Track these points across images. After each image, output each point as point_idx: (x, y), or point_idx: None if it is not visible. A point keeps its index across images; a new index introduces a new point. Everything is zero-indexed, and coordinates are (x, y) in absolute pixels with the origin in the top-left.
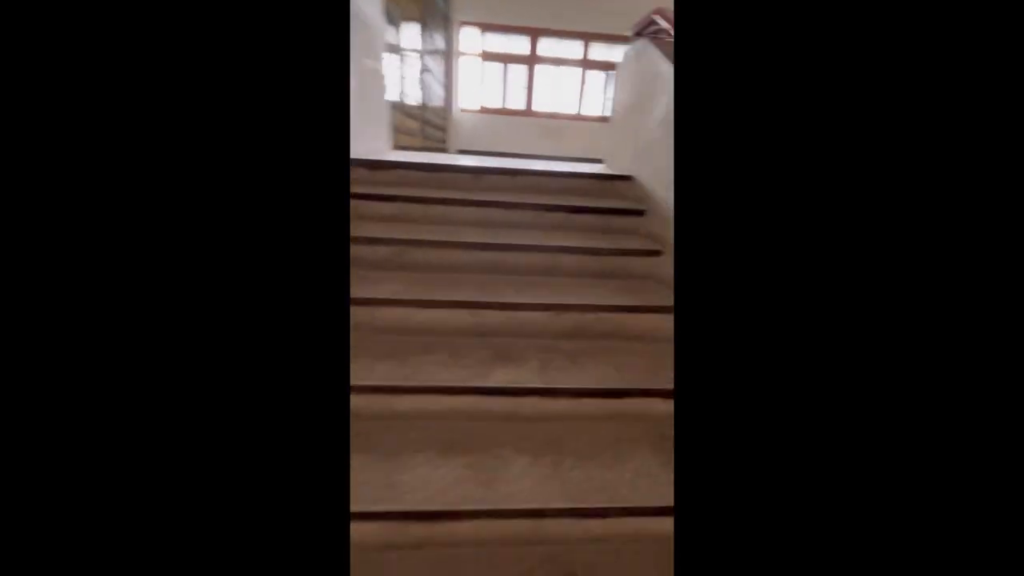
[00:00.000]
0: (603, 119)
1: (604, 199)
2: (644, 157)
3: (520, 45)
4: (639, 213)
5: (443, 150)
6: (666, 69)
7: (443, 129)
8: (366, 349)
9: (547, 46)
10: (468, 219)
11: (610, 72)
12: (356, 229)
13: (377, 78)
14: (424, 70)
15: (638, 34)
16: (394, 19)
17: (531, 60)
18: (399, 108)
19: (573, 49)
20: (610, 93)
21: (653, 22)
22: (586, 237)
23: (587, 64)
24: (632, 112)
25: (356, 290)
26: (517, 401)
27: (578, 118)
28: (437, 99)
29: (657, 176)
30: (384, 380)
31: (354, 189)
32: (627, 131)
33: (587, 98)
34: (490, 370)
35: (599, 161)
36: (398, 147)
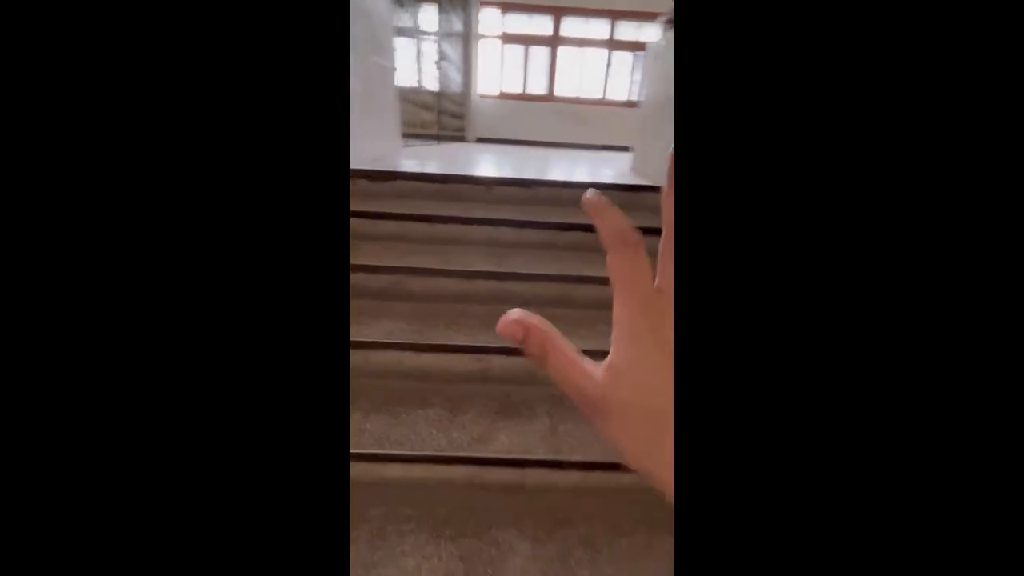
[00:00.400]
0: (630, 103)
1: (631, 213)
2: None
3: (543, 25)
4: None
5: (461, 138)
6: None
7: (461, 117)
8: (357, 398)
9: (571, 26)
10: (477, 238)
11: (638, 53)
12: (353, 252)
13: (382, 73)
14: (441, 57)
15: (671, 21)
16: (404, 1)
17: (554, 41)
18: (412, 98)
19: (599, 29)
20: (638, 76)
21: None
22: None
23: (613, 45)
24: (665, 111)
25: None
26: (522, 472)
27: (603, 103)
28: (455, 85)
29: None
30: (375, 441)
31: (353, 204)
32: (659, 130)
33: (613, 81)
34: (493, 429)
35: (626, 149)
36: (411, 135)
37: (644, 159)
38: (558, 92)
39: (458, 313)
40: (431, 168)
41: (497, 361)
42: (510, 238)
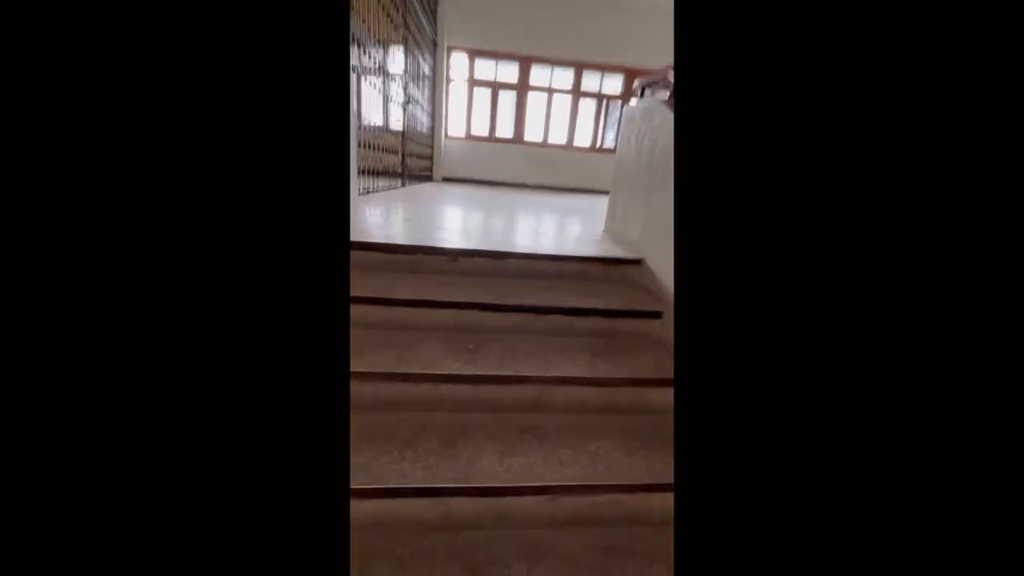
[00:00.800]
0: (594, 149)
1: (609, 289)
2: (658, 239)
3: (510, 73)
4: (655, 315)
5: (428, 178)
6: None
7: (428, 157)
8: None
9: (539, 74)
10: (441, 323)
11: (603, 101)
12: None
13: None
14: (409, 100)
15: (646, 87)
16: (362, 41)
17: (522, 87)
18: (378, 140)
19: (564, 78)
20: (601, 123)
21: (668, 80)
22: (588, 353)
23: (578, 93)
24: (640, 181)
25: None
26: None
27: (569, 147)
28: (422, 127)
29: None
30: None
31: None
32: (635, 200)
33: (578, 127)
34: None
35: (592, 191)
36: (377, 172)
37: (616, 223)
38: (526, 136)
39: (417, 432)
40: (395, 219)
41: (463, 504)
42: (480, 322)
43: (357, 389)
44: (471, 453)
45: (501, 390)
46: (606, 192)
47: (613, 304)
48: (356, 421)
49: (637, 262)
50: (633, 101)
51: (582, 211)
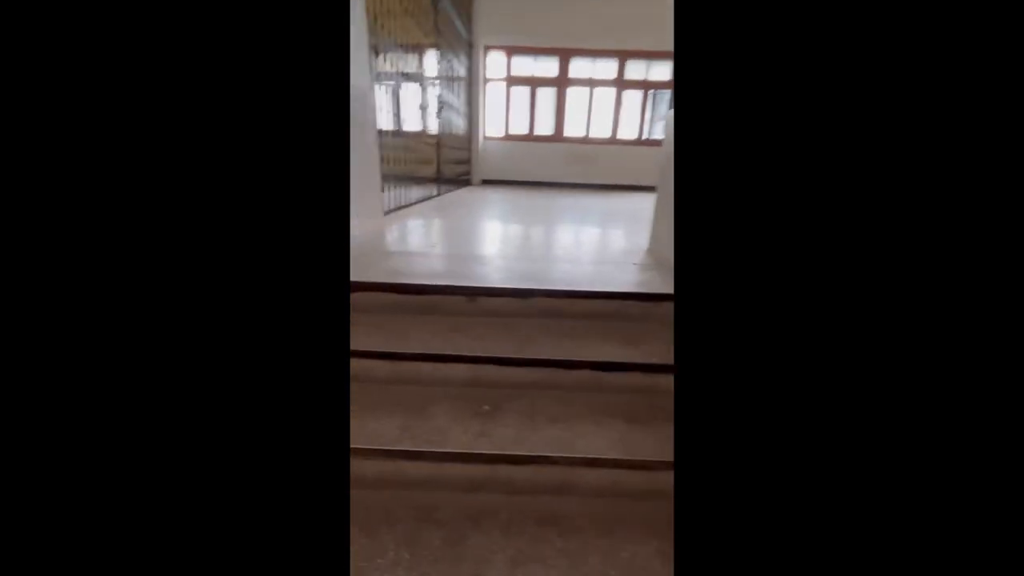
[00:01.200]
0: (640, 142)
1: (651, 331)
2: None
3: (549, 67)
4: None
5: (467, 182)
6: None
7: (466, 162)
8: None
9: (579, 66)
10: (454, 378)
11: (649, 91)
12: None
13: (360, 135)
14: (443, 106)
15: None
16: (386, 48)
17: (561, 82)
18: (405, 156)
19: (607, 68)
20: (648, 114)
21: None
22: (624, 420)
23: (622, 84)
24: None
25: None
26: None
27: (613, 141)
28: (458, 129)
29: None
30: None
31: None
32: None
33: (623, 120)
34: None
35: (637, 188)
36: (411, 179)
37: (661, 240)
38: (567, 132)
39: (420, 517)
40: (417, 239)
41: None
42: (497, 378)
43: (355, 465)
44: (479, 555)
45: (518, 471)
46: (653, 188)
47: (654, 355)
48: (354, 499)
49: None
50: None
51: (625, 216)
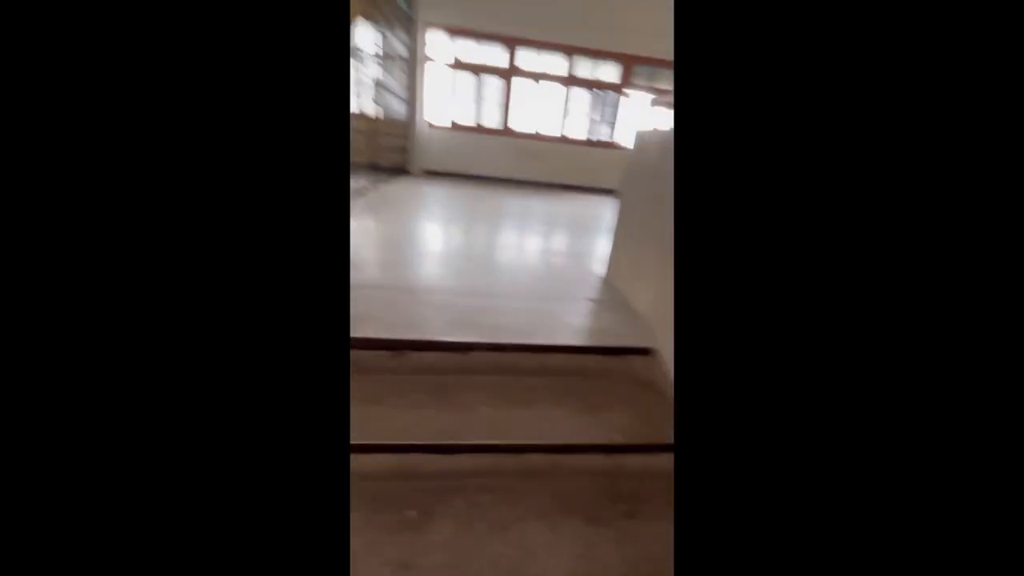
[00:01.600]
0: (590, 143)
1: (612, 392)
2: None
3: (496, 55)
4: (671, 447)
5: (404, 171)
6: None
7: (402, 149)
8: None
9: (527, 58)
10: (372, 472)
11: (596, 92)
12: None
13: None
14: (380, 83)
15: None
16: None
17: (509, 72)
18: None
19: (555, 63)
20: (596, 115)
21: None
22: (582, 518)
23: (571, 81)
24: (656, 233)
25: None
26: None
27: (563, 140)
28: (397, 114)
29: None
30: None
31: None
32: (645, 256)
33: (571, 118)
34: None
35: (586, 190)
36: None
37: (619, 274)
38: (513, 126)
39: None
40: None
41: None
42: (423, 469)
43: None
44: None
45: None
46: (602, 191)
47: (615, 427)
48: None
49: (647, 352)
50: (626, 93)
51: (576, 226)
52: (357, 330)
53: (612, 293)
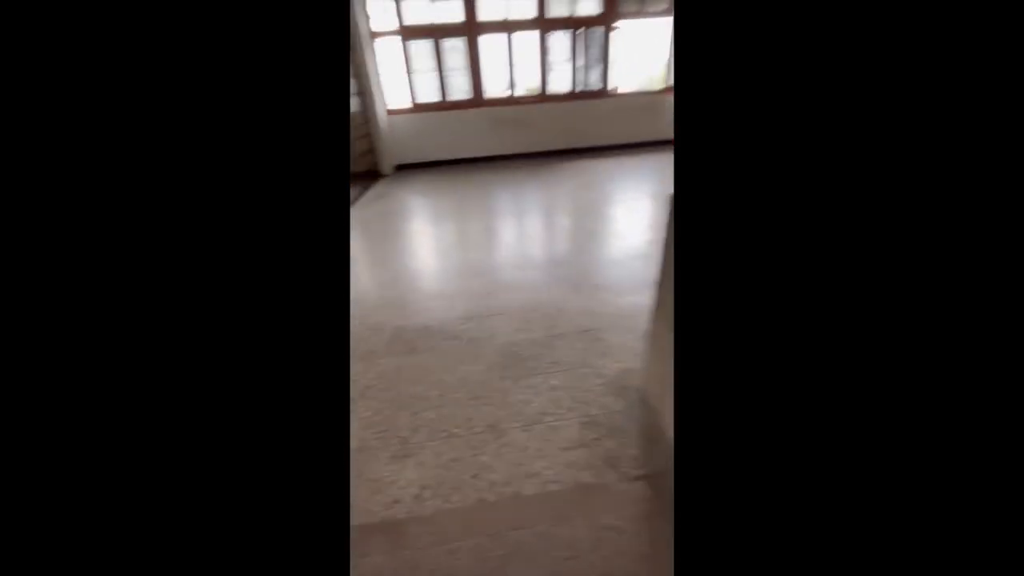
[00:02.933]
0: (574, 95)
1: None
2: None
3: (453, 12)
4: None
5: (372, 175)
6: None
7: (367, 151)
8: None
9: (490, 7)
10: None
11: (578, 31)
12: None
13: None
14: None
15: None
16: None
17: (470, 29)
18: None
19: (524, 6)
20: (580, 60)
21: None
22: None
23: (545, 24)
24: None
25: None
26: None
27: (543, 99)
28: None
29: None
30: None
31: None
32: None
33: (553, 70)
34: None
35: (576, 152)
36: None
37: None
38: (488, 93)
39: None
40: None
41: None
42: None
43: None
44: None
45: None
46: (594, 150)
47: None
48: None
49: None
50: (615, 26)
51: (577, 231)
52: None
53: (645, 412)
